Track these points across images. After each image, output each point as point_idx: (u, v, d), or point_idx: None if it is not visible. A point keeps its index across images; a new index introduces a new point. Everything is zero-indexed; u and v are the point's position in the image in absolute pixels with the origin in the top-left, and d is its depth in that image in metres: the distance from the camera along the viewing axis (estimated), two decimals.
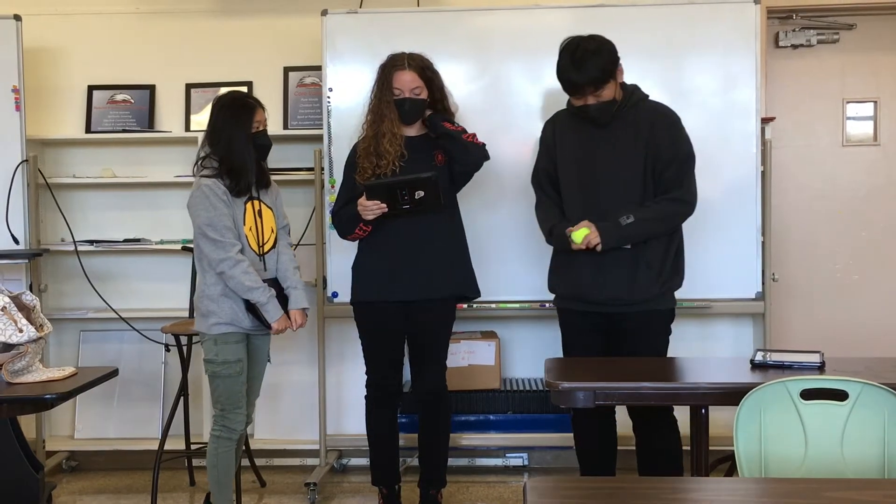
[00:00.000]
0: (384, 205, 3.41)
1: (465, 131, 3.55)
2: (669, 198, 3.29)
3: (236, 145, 3.35)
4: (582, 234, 3.21)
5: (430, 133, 3.57)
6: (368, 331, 3.64)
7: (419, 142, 3.57)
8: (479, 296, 3.71)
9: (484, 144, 3.58)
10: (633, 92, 3.37)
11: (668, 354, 3.41)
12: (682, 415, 3.14)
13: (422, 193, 3.39)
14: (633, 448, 3.43)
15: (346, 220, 3.57)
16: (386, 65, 3.55)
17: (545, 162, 3.46)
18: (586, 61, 3.19)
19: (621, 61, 3.31)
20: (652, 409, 3.28)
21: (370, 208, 3.42)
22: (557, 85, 3.39)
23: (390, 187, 3.41)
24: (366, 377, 3.68)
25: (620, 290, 3.26)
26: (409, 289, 3.53)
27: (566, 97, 3.43)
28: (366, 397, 3.70)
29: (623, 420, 3.44)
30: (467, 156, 3.54)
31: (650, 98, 3.40)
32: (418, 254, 3.52)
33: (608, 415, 3.45)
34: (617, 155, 3.29)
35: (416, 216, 3.47)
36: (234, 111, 3.38)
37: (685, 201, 3.32)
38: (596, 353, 3.36)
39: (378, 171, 3.48)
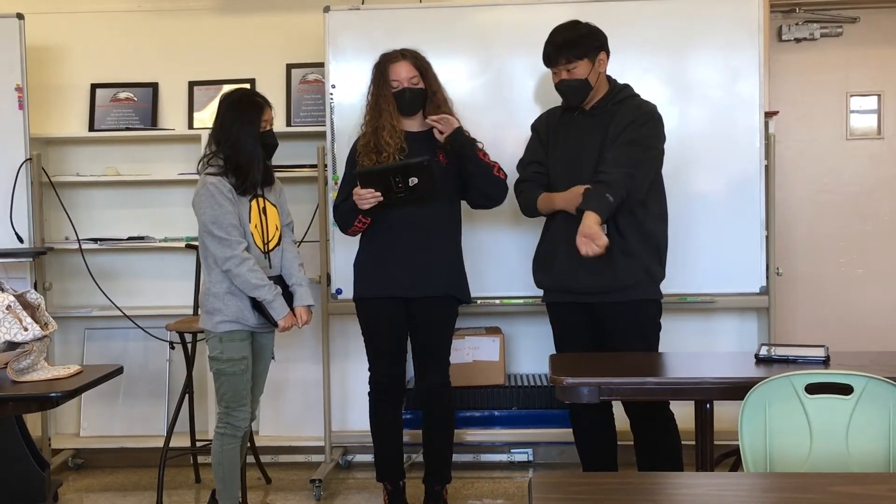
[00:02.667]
0: (378, 193, 3.40)
1: (493, 163, 3.56)
2: (623, 143, 3.24)
3: (244, 144, 3.34)
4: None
5: (448, 146, 3.50)
6: (370, 327, 3.64)
7: (420, 137, 3.56)
8: (470, 301, 3.70)
9: (506, 176, 3.58)
10: (622, 89, 3.39)
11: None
12: (683, 410, 3.13)
13: (416, 180, 3.37)
14: (632, 443, 3.42)
15: (345, 213, 3.57)
16: (380, 62, 3.57)
17: (536, 153, 3.49)
18: (564, 31, 3.32)
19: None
20: (649, 406, 3.28)
21: (365, 197, 3.41)
22: None
23: (383, 174, 3.39)
24: (369, 374, 3.69)
25: (600, 276, 3.25)
26: (407, 285, 3.53)
27: None
28: (369, 394, 3.70)
29: (621, 415, 3.44)
30: (497, 192, 3.57)
31: (640, 97, 3.40)
32: (416, 251, 3.51)
33: (606, 411, 3.45)
34: (599, 149, 3.29)
35: (415, 210, 3.45)
36: (243, 110, 3.37)
37: (646, 145, 3.26)
38: (586, 346, 3.37)
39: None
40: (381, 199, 3.41)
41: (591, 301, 3.32)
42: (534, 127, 3.57)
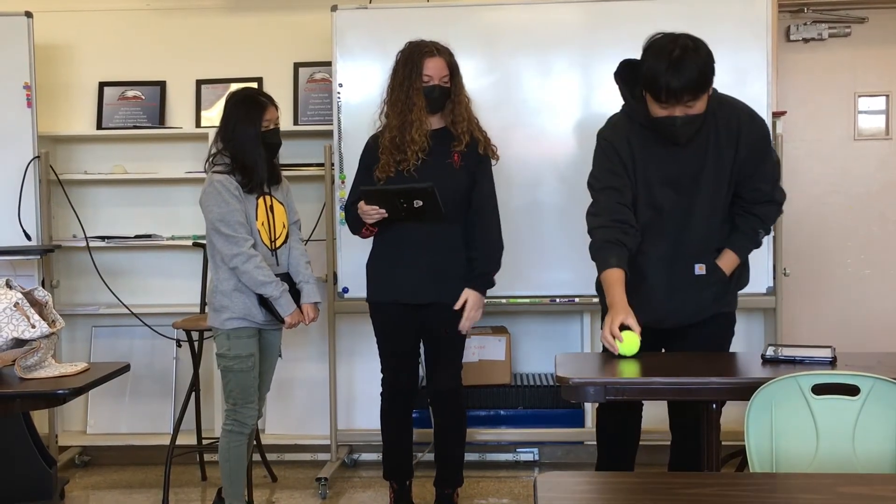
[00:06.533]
0: (383, 210, 3.38)
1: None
2: (771, 202, 3.08)
3: (246, 143, 3.36)
4: (634, 342, 2.80)
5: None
6: (382, 330, 3.61)
7: (440, 134, 3.48)
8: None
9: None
10: (711, 95, 2.93)
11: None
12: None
13: (420, 203, 3.33)
14: (651, 443, 3.38)
15: (353, 219, 3.53)
16: (412, 52, 3.42)
17: (617, 176, 2.96)
18: (686, 61, 2.73)
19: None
20: (693, 406, 3.20)
21: (369, 213, 3.39)
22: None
23: (387, 194, 3.36)
24: (381, 375, 3.68)
25: (695, 309, 3.09)
26: (419, 292, 3.48)
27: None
28: (382, 394, 3.69)
29: (648, 416, 3.39)
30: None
31: (717, 92, 2.96)
32: (427, 257, 3.47)
33: (636, 409, 3.40)
34: (707, 168, 2.97)
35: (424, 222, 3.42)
36: (246, 108, 3.39)
37: (780, 203, 3.12)
38: None
39: (401, 168, 3.41)
40: (386, 215, 3.39)
41: (671, 326, 3.13)
42: (606, 138, 3.02)
